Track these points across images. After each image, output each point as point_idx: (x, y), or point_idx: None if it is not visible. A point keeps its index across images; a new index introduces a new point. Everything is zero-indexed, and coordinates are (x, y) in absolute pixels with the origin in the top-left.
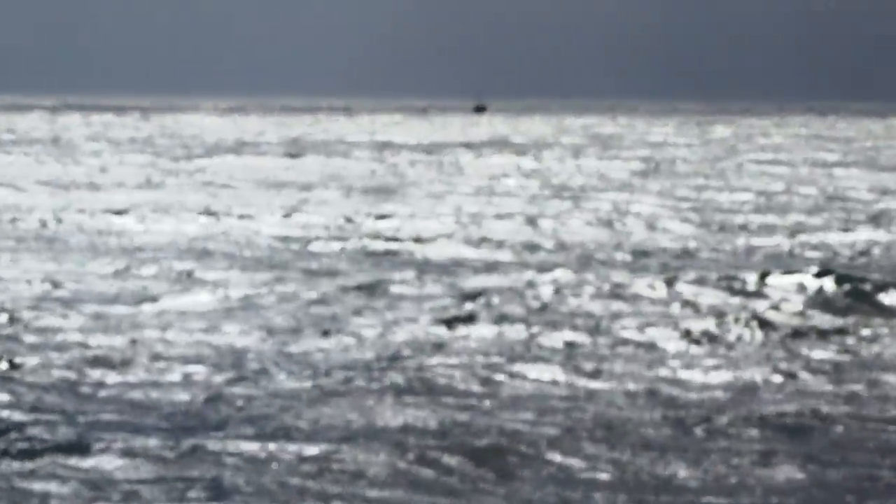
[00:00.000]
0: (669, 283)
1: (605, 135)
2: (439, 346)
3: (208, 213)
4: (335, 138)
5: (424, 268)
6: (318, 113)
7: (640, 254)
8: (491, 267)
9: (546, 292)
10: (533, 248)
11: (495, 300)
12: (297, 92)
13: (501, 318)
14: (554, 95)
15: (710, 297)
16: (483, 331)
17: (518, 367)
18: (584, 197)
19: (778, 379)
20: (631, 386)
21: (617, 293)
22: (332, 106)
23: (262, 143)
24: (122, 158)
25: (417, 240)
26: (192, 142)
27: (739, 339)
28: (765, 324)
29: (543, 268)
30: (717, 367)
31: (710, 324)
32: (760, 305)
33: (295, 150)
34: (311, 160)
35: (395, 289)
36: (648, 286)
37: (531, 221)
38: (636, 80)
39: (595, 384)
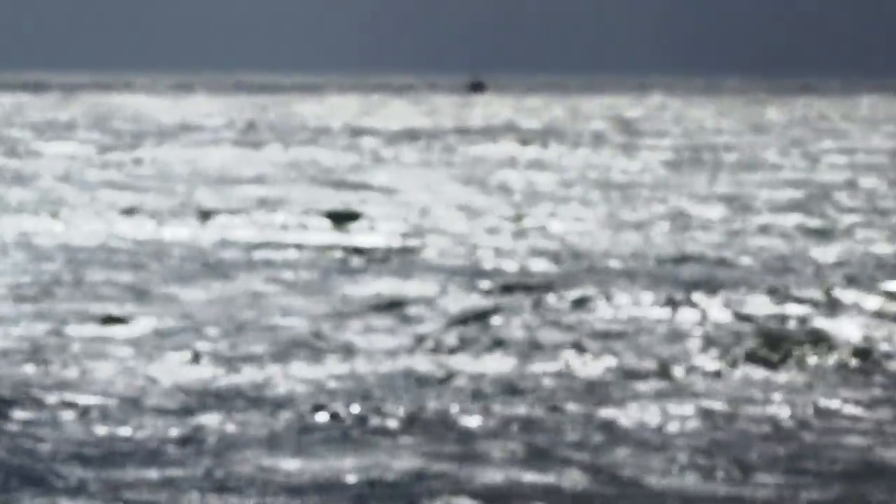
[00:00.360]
0: (706, 296)
1: (630, 118)
2: (422, 381)
3: (142, 213)
4: (299, 123)
5: (406, 282)
6: (279, 92)
7: (671, 262)
8: (489, 280)
9: (557, 311)
10: (541, 256)
11: (494, 323)
12: (254, 66)
13: (500, 345)
14: (568, 70)
15: (754, 313)
16: (478, 362)
17: (517, 401)
18: (603, 195)
19: (832, 412)
20: (653, 421)
21: (642, 310)
22: (296, 83)
23: (210, 127)
24: (40, 147)
25: (398, 248)
26: (124, 127)
27: (786, 362)
28: (819, 346)
29: (554, 281)
30: (758, 400)
31: (753, 345)
32: (815, 323)
33: (250, 136)
34: (269, 149)
35: (368, 309)
36: (681, 301)
37: (539, 225)
38: (670, 51)
39: (610, 418)
